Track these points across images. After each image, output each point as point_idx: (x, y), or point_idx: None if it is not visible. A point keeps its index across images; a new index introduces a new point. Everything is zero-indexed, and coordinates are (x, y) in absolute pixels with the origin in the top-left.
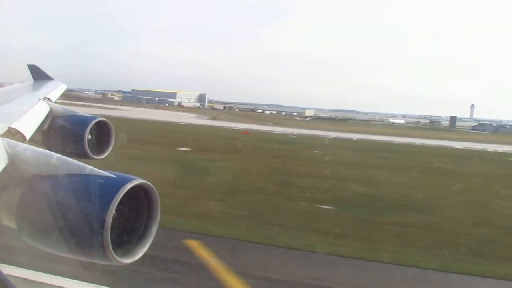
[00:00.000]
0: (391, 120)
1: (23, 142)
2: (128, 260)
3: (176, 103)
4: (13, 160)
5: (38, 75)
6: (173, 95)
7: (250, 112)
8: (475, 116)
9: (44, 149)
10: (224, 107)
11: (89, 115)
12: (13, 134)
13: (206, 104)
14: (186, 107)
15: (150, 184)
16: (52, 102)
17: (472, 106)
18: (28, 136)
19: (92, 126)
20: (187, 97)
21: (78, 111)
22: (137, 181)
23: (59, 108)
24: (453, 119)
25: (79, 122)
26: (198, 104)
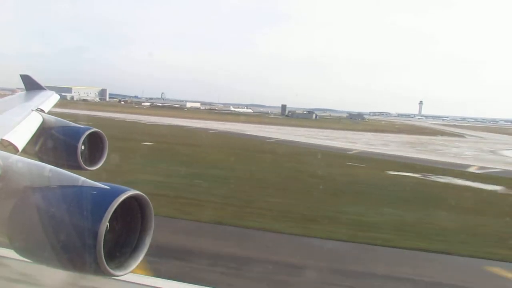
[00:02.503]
0: (232, 108)
1: (15, 153)
2: (121, 273)
3: (68, 98)
4: (5, 172)
5: (31, 85)
6: (69, 90)
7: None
8: (423, 112)
9: (37, 160)
10: (119, 101)
11: (82, 126)
12: (5, 145)
13: (107, 98)
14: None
15: (144, 195)
16: (44, 113)
17: (421, 103)
18: (20, 147)
19: (85, 137)
20: (85, 92)
21: (71, 122)
22: (131, 192)
23: (52, 119)
24: (283, 107)
25: (72, 133)
26: (97, 98)
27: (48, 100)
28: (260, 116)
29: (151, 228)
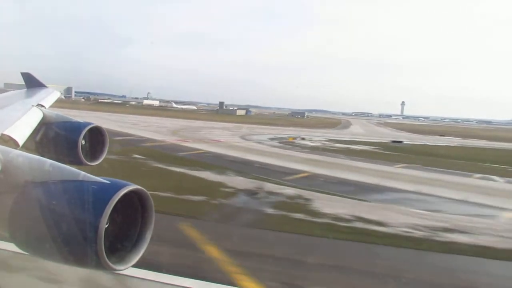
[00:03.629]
0: (174, 105)
1: (16, 148)
2: (121, 267)
3: None
4: (6, 166)
5: (32, 82)
6: None
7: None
8: (405, 112)
9: (37, 155)
10: (83, 98)
11: (82, 122)
12: (6, 140)
13: (73, 96)
14: None
15: (144, 190)
16: (45, 108)
17: (403, 103)
18: (21, 142)
19: (86, 132)
20: (60, 90)
21: (72, 118)
22: (131, 187)
23: (52, 114)
24: (221, 104)
25: (73, 129)
26: (62, 96)
27: (49, 97)
28: (183, 111)
29: (151, 222)
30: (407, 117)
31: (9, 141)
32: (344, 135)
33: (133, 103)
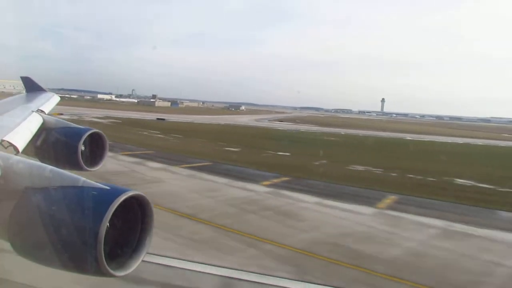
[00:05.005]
0: (114, 98)
1: (16, 154)
2: (121, 273)
3: None
4: (6, 172)
5: (31, 87)
6: None
7: None
8: (385, 109)
9: (37, 161)
10: None
11: (82, 127)
12: (6, 146)
13: None
14: None
15: (144, 195)
16: (45, 114)
17: (383, 100)
18: (21, 148)
19: (86, 137)
20: (11, 85)
21: (72, 123)
22: (131, 192)
23: (52, 120)
24: (153, 96)
25: (73, 134)
26: (24, 91)
27: (49, 102)
28: (113, 103)
29: (151, 228)
30: (385, 114)
31: (9, 147)
32: (186, 119)
33: (88, 97)
